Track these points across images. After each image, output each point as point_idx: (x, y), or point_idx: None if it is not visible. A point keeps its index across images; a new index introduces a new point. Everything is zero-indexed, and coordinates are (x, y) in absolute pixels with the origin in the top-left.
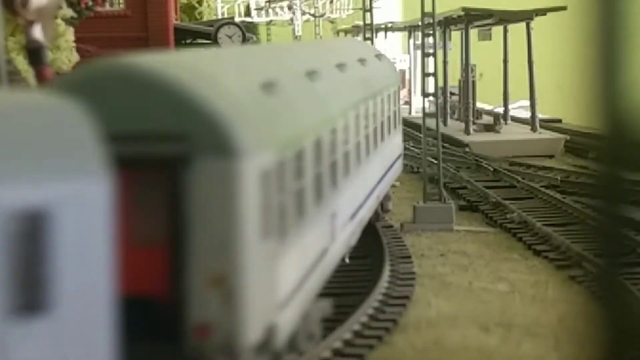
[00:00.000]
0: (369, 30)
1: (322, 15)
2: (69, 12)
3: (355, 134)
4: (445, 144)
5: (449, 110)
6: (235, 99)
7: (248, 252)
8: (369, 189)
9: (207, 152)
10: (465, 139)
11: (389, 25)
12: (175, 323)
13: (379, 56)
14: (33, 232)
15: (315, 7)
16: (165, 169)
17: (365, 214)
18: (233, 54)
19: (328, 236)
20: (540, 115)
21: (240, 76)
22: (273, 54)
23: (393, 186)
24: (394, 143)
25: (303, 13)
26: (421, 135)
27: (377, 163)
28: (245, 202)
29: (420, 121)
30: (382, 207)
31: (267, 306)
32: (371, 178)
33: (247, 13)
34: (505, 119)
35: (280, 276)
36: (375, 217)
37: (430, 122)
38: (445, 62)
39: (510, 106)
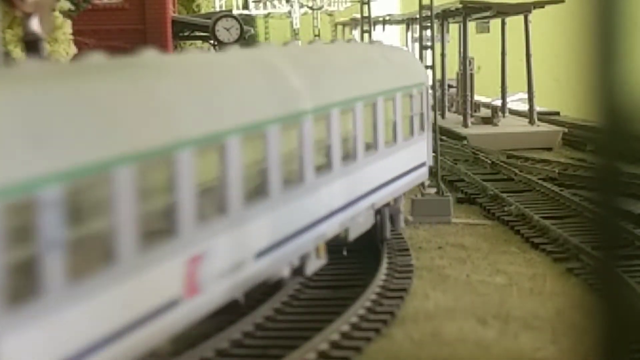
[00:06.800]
0: (366, 23)
1: (320, 8)
2: (66, 5)
3: None
4: (443, 137)
5: (447, 103)
6: None
7: None
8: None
9: None
10: (463, 131)
11: (387, 17)
12: None
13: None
14: (422, 96)
15: (313, 0)
16: None
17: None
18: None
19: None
20: (538, 108)
21: None
22: None
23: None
24: None
25: (301, 6)
26: None
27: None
28: None
29: None
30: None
31: None
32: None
33: (245, 5)
34: (503, 112)
35: None
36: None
37: None
38: (443, 55)
39: (508, 99)
